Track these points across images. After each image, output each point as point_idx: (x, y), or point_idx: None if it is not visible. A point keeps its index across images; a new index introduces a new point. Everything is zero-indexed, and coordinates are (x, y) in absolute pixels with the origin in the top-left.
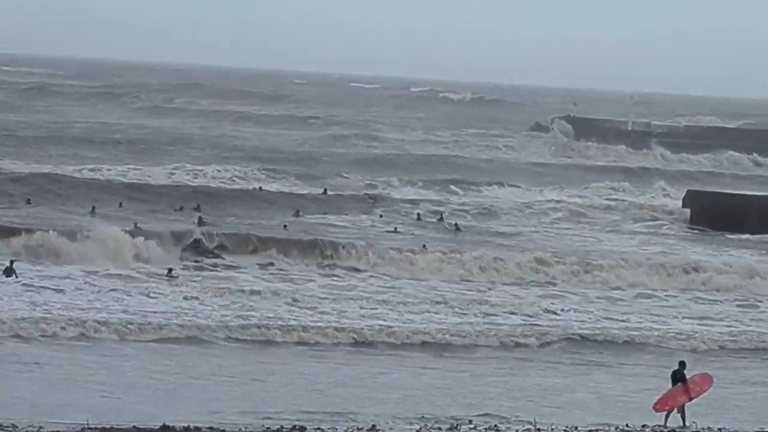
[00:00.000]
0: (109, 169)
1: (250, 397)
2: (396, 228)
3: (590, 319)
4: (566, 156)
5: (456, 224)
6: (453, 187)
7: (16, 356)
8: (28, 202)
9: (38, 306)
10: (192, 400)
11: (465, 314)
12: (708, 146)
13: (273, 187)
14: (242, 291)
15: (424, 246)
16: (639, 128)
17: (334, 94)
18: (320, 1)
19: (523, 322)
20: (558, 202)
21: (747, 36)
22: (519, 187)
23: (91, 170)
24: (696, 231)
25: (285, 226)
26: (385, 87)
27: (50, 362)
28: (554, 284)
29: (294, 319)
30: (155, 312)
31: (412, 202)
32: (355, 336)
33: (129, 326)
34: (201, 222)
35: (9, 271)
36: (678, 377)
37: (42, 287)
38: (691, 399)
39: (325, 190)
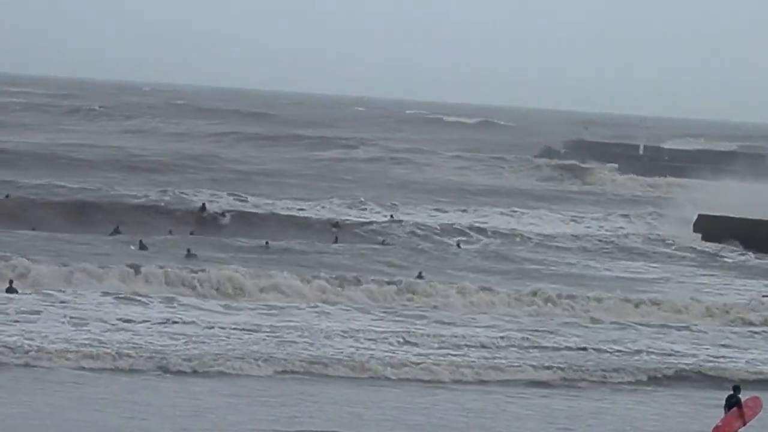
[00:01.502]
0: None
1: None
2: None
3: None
4: (577, 182)
5: (458, 242)
6: (462, 208)
7: (56, 375)
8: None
9: (74, 329)
10: (224, 424)
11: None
12: (721, 170)
13: (279, 209)
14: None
15: (420, 274)
16: (650, 152)
17: (327, 114)
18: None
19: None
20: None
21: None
22: (527, 211)
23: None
24: (707, 256)
25: (266, 242)
26: (379, 107)
27: (86, 382)
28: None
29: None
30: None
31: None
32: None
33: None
34: (142, 246)
35: (11, 290)
36: (733, 402)
37: (60, 310)
38: (745, 423)
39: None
